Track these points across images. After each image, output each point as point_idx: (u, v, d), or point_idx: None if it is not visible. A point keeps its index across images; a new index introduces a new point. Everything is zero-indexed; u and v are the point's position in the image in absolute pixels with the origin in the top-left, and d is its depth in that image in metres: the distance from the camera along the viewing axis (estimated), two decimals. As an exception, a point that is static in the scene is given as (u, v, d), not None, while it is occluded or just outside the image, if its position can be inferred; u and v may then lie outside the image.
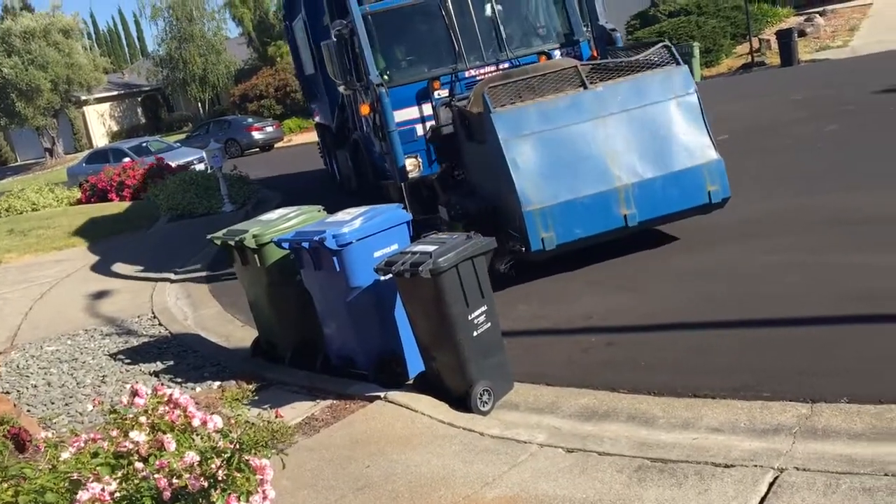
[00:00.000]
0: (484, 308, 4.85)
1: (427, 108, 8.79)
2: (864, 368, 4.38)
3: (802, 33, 24.04)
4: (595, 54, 9.11)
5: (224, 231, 6.27)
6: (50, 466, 3.06)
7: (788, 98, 15.25)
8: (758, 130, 11.95)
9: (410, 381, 5.31)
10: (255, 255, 5.92)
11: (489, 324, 4.89)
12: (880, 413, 3.91)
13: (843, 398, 4.11)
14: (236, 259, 6.20)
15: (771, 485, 3.46)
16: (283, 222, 6.02)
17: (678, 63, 7.08)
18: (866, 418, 3.89)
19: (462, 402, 4.79)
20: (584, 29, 9.41)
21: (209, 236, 6.42)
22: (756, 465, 3.62)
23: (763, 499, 3.37)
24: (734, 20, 25.72)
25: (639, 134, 6.82)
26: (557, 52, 9.17)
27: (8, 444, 3.15)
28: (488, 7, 9.13)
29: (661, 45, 7.29)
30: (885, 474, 3.36)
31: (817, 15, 26.14)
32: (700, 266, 6.75)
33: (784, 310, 5.43)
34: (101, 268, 11.73)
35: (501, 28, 9.13)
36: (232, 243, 6.01)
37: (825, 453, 3.64)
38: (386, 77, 8.84)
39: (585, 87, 6.87)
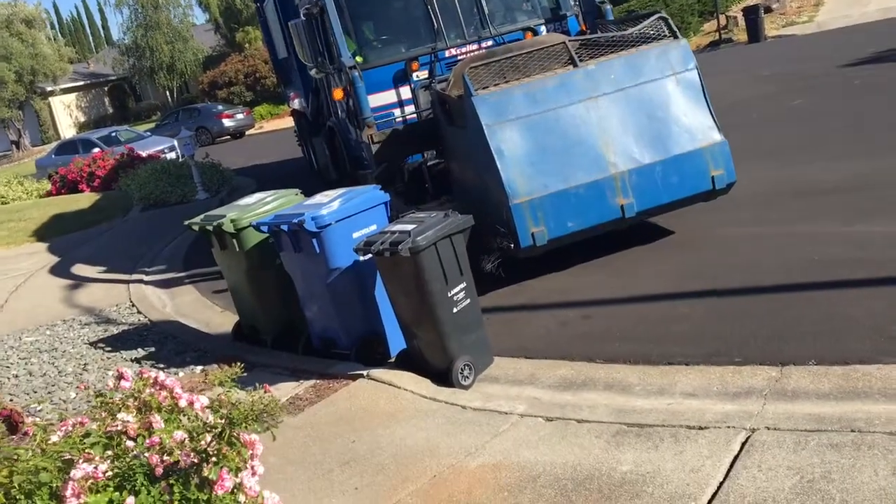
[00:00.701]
0: (463, 285, 4.95)
1: (405, 92, 8.27)
2: (830, 332, 4.54)
3: (769, 9, 24.32)
4: (584, 29, 8.58)
5: (201, 216, 6.30)
6: (41, 450, 3.12)
7: (756, 74, 15.48)
8: (727, 107, 12.08)
9: (392, 360, 5.41)
10: (234, 240, 5.96)
11: (468, 300, 4.98)
12: (846, 373, 4.06)
13: (811, 361, 4.27)
14: (214, 244, 6.23)
15: (743, 444, 3.59)
16: (260, 206, 6.06)
17: (676, 37, 6.59)
18: (833, 379, 4.05)
19: (444, 377, 4.89)
20: (572, 3, 8.90)
21: (186, 222, 6.44)
22: (729, 427, 3.76)
23: (736, 457, 3.51)
24: (701, -2, 25.98)
25: (635, 115, 6.30)
26: (544, 29, 8.62)
27: (0, 426, 3.20)
28: None
29: (656, 16, 6.79)
30: (852, 430, 3.51)
31: (783, -9, 26.43)
32: (670, 238, 6.89)
33: (752, 279, 5.58)
34: (77, 258, 11.67)
35: (483, 3, 8.50)
36: (210, 228, 6.04)
37: (794, 413, 3.78)
38: (360, 59, 8.22)
39: (575, 66, 6.33)
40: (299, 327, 6.02)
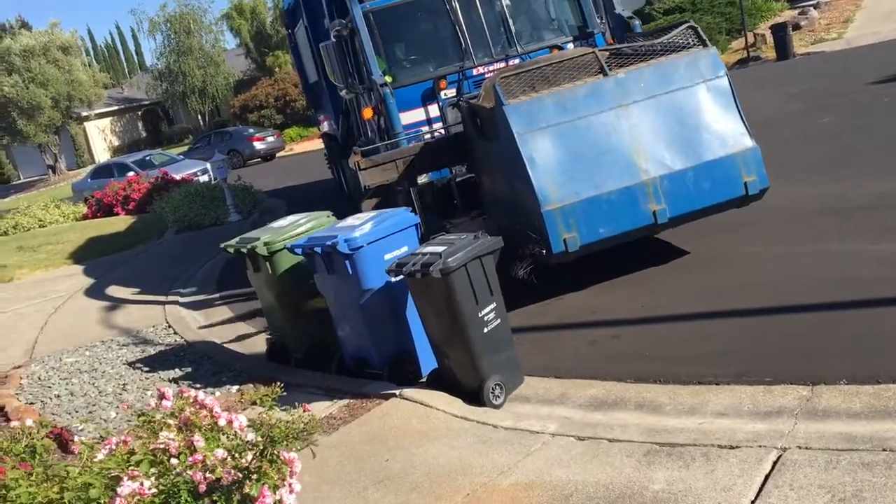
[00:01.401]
0: (493, 305, 5.02)
1: (434, 110, 8.40)
2: (860, 351, 4.55)
3: (797, 26, 24.24)
4: (612, 43, 8.59)
5: (237, 239, 6.46)
6: (88, 467, 3.24)
7: (785, 91, 15.42)
8: (756, 124, 12.02)
9: (424, 379, 5.49)
10: (267, 262, 6.10)
11: (499, 320, 5.06)
12: (878, 392, 4.07)
13: (842, 380, 4.28)
14: (249, 266, 6.38)
15: (774, 463, 3.62)
16: (293, 229, 6.20)
17: (705, 45, 6.61)
18: (864, 398, 4.06)
19: (475, 396, 4.96)
20: (599, 21, 8.89)
21: (222, 245, 6.60)
22: (760, 446, 3.78)
23: (767, 476, 3.53)
24: (729, 16, 25.93)
25: (666, 122, 6.32)
26: (570, 46, 8.66)
27: (51, 445, 3.33)
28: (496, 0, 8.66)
29: (685, 25, 6.82)
30: (883, 449, 3.52)
31: (811, 8, 26.34)
32: (698, 257, 6.90)
33: (782, 297, 5.60)
34: (113, 280, 11.92)
35: (510, 22, 8.61)
36: (244, 251, 6.20)
37: (826, 432, 3.79)
38: (389, 78, 8.41)
39: (605, 74, 6.36)
40: (331, 347, 6.12)
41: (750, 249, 6.81)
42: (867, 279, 5.51)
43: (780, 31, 22.01)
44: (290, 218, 6.54)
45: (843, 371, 4.35)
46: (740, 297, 5.81)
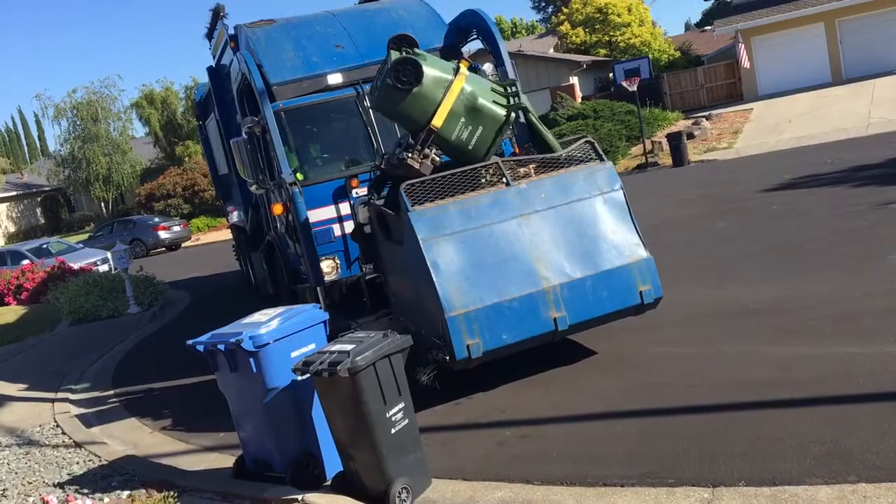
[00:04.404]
0: (401, 405, 4.96)
1: (345, 207, 8.48)
2: (757, 452, 4.67)
3: (691, 135, 25.75)
4: (517, 152, 8.80)
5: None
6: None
7: (681, 197, 16.24)
8: (654, 227, 12.63)
9: (328, 482, 5.32)
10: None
11: (406, 420, 4.99)
12: (775, 494, 4.17)
13: (741, 482, 4.37)
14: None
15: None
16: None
17: (602, 159, 6.89)
18: (762, 500, 4.15)
19: (381, 500, 4.83)
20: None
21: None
22: (664, 550, 3.80)
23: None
24: (628, 123, 27.38)
25: (565, 232, 6.52)
26: None
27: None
28: None
29: (583, 139, 7.09)
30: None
31: (704, 119, 28.11)
32: (600, 357, 7.06)
33: (681, 398, 5.75)
34: (-2, 375, 11.23)
35: None
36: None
37: (727, 535, 3.85)
38: (300, 175, 8.51)
39: (508, 184, 6.58)
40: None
41: (652, 350, 7.00)
42: (762, 381, 5.73)
43: (675, 140, 23.28)
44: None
45: (741, 473, 4.46)
46: (644, 397, 5.94)
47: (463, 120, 6.96)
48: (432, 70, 6.84)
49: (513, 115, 7.21)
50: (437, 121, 6.84)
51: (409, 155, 6.96)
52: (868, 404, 5.03)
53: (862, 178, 13.59)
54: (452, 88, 6.87)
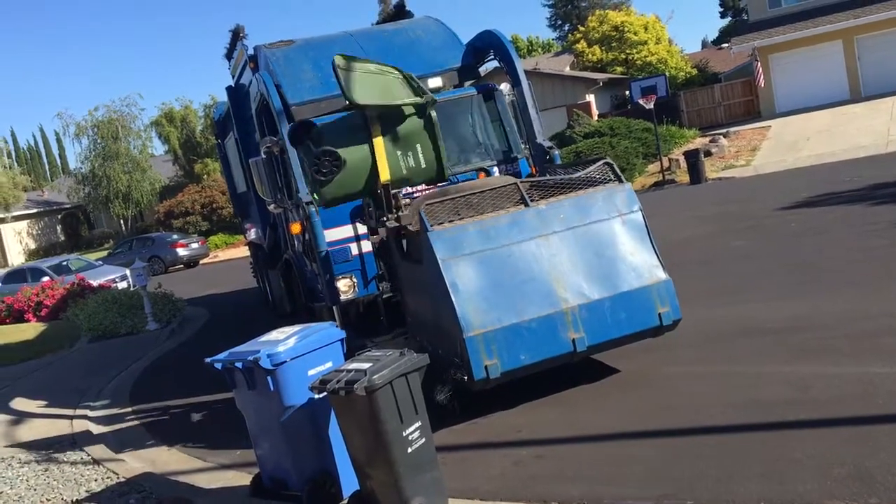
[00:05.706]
0: (418, 424, 4.96)
1: (362, 227, 8.49)
2: (775, 473, 4.63)
3: (708, 153, 25.70)
4: (534, 171, 8.99)
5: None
6: None
7: (699, 214, 16.18)
8: (672, 246, 12.60)
9: (345, 501, 5.32)
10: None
11: (423, 439, 4.99)
12: (794, 516, 4.14)
13: (760, 503, 4.34)
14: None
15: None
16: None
17: (620, 180, 6.88)
18: (782, 521, 4.12)
19: (397, 519, 4.82)
20: (523, 146, 9.22)
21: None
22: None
23: None
24: (645, 141, 27.35)
25: (584, 253, 6.52)
26: (496, 170, 9.01)
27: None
28: None
29: (602, 161, 7.07)
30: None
31: (721, 136, 28.06)
32: (618, 377, 7.02)
33: (699, 418, 5.70)
34: (18, 391, 11.32)
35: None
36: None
37: (746, 557, 3.81)
38: (317, 196, 8.36)
39: (527, 205, 6.58)
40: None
41: (669, 370, 6.97)
42: (780, 401, 5.68)
43: (692, 157, 23.25)
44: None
45: (760, 494, 4.42)
46: (661, 417, 5.90)
47: (399, 153, 7.27)
48: (347, 148, 7.23)
49: (429, 108, 7.42)
50: (384, 176, 7.25)
51: (387, 217, 7.29)
52: (889, 425, 4.98)
53: (881, 195, 13.51)
54: (376, 144, 7.23)
